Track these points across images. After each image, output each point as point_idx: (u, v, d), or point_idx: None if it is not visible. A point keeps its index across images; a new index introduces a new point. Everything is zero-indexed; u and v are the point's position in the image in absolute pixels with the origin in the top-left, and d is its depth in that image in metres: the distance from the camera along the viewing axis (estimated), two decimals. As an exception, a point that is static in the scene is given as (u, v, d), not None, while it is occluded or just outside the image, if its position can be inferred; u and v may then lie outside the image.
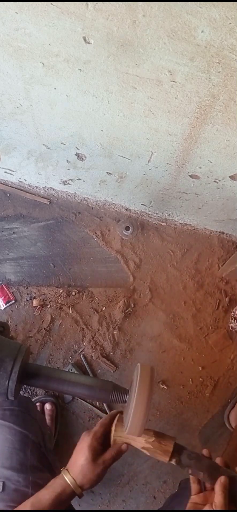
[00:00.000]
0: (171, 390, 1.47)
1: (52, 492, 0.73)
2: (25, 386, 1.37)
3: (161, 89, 0.79)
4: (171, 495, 1.02)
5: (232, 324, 1.51)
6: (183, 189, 1.23)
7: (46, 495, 0.73)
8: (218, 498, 0.66)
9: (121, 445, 0.76)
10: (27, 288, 1.48)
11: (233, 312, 1.52)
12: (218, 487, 0.67)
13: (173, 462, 0.73)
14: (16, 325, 1.45)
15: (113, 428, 0.78)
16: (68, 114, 0.96)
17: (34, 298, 1.47)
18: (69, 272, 1.53)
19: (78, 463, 0.75)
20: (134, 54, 0.71)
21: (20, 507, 0.74)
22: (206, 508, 0.67)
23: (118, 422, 0.78)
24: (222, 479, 0.68)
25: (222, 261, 1.59)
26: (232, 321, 1.51)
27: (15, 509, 0.75)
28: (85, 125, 0.99)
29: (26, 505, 0.73)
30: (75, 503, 1.33)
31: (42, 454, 0.91)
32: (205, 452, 0.75)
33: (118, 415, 0.80)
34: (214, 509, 0.65)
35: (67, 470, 0.76)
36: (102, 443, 0.77)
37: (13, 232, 1.54)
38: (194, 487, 0.74)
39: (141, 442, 0.75)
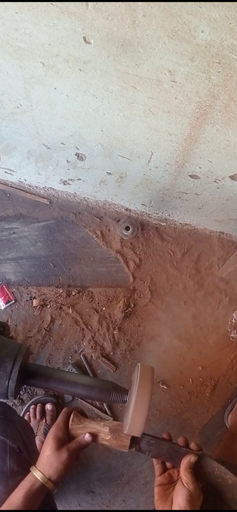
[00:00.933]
0: (171, 390, 1.47)
1: (22, 490, 0.74)
2: (25, 386, 1.37)
3: (161, 89, 0.79)
4: None
5: (233, 335, 1.51)
6: (183, 189, 1.23)
7: (16, 494, 0.75)
8: (187, 477, 0.68)
9: (84, 435, 0.78)
10: (27, 288, 1.48)
11: (230, 321, 1.52)
12: (183, 467, 0.70)
13: (134, 449, 0.75)
14: (16, 325, 1.45)
15: (70, 420, 0.80)
16: (68, 114, 0.96)
17: (34, 298, 1.47)
18: (69, 272, 1.53)
19: (44, 454, 0.77)
20: (134, 54, 0.71)
21: None
22: (179, 487, 0.68)
23: (74, 415, 0.81)
24: (186, 458, 0.71)
25: (222, 261, 1.59)
26: (234, 331, 1.51)
27: None
28: (85, 125, 0.99)
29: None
30: (75, 503, 1.34)
31: (23, 458, 0.90)
32: (165, 435, 0.77)
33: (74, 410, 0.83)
34: (186, 487, 0.67)
35: (34, 466, 0.78)
36: (66, 432, 0.79)
37: (13, 232, 1.54)
38: (157, 467, 0.76)
39: (99, 439, 0.78)
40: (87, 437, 0.78)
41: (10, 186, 1.54)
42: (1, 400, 0.82)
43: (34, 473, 0.76)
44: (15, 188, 1.55)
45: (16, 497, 0.74)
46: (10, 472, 0.85)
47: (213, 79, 0.72)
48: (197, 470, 0.70)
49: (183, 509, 0.65)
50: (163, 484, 0.74)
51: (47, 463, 0.76)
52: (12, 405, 1.36)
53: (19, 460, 0.89)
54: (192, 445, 0.74)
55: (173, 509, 0.68)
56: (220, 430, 1.44)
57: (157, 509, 0.71)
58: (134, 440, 0.75)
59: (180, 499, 0.66)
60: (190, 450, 0.73)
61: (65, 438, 0.78)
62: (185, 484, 0.68)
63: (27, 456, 0.92)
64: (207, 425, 1.45)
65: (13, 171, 1.41)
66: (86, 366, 1.44)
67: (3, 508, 0.75)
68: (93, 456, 1.39)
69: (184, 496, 0.66)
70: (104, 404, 1.42)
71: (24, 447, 0.93)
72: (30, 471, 0.77)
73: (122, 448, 0.75)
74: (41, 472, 0.75)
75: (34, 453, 0.98)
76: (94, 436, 0.78)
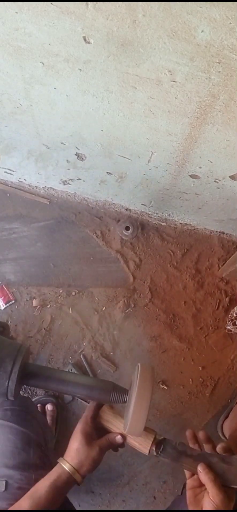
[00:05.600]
0: (171, 390, 1.46)
1: (48, 480, 0.74)
2: (25, 386, 1.37)
3: (161, 89, 0.79)
4: (177, 496, 1.01)
5: (229, 327, 1.51)
6: (183, 189, 1.23)
7: (42, 483, 0.74)
8: (210, 490, 0.64)
9: (116, 436, 0.77)
10: (27, 288, 1.48)
11: (231, 314, 1.52)
12: (203, 479, 0.66)
13: (155, 454, 0.73)
14: (16, 325, 1.45)
15: (102, 410, 0.80)
16: (68, 114, 0.96)
17: (34, 298, 1.47)
18: (69, 272, 1.53)
19: (73, 447, 0.76)
20: (134, 54, 0.71)
21: (20, 501, 0.75)
22: (206, 498, 0.65)
23: (106, 406, 0.81)
24: (200, 469, 0.67)
25: (222, 261, 1.59)
26: (229, 323, 1.51)
27: (15, 504, 0.75)
28: (85, 125, 0.99)
29: (25, 497, 0.74)
30: (75, 503, 1.34)
31: (44, 453, 0.91)
32: (188, 433, 0.75)
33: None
34: (212, 500, 0.64)
35: (63, 458, 0.77)
36: (94, 427, 0.79)
37: (13, 232, 1.54)
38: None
39: (126, 441, 0.76)
40: (119, 438, 0.76)
41: (10, 186, 1.54)
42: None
43: (63, 464, 0.75)
44: (15, 188, 1.55)
45: (41, 486, 0.73)
46: (33, 465, 0.86)
47: (213, 79, 0.72)
48: (220, 471, 0.67)
49: None
50: (194, 487, 0.71)
51: (76, 456, 0.75)
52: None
53: (41, 454, 0.89)
54: (218, 447, 0.71)
55: None
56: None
57: None
58: (158, 444, 0.73)
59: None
60: (204, 453, 0.71)
61: (93, 433, 0.78)
62: (211, 497, 0.64)
63: (47, 452, 0.93)
64: (207, 425, 1.45)
65: (13, 171, 1.41)
66: (86, 366, 1.43)
67: (27, 493, 0.74)
68: (93, 456, 1.39)
69: (212, 509, 0.63)
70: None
71: (44, 443, 0.94)
72: (57, 462, 0.77)
73: (142, 451, 0.74)
74: (70, 464, 0.75)
75: (51, 450, 0.99)
76: (124, 438, 0.77)
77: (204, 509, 0.65)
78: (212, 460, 0.69)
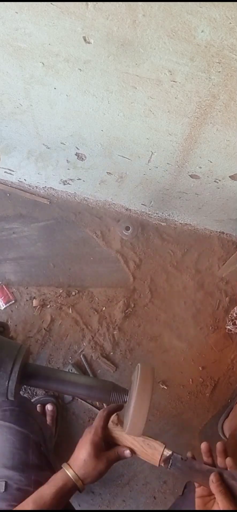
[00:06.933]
0: (171, 390, 1.46)
1: (54, 486, 0.74)
2: (25, 386, 1.37)
3: (161, 89, 0.79)
4: (179, 497, 1.01)
5: (229, 327, 1.51)
6: (183, 189, 1.23)
7: (47, 489, 0.74)
8: (220, 500, 0.66)
9: (125, 450, 0.76)
10: (27, 288, 1.48)
11: (231, 314, 1.52)
12: (212, 489, 0.67)
13: (163, 466, 0.74)
14: (16, 325, 1.45)
15: (110, 424, 0.79)
16: (68, 114, 0.96)
17: (34, 298, 1.47)
18: (69, 272, 1.53)
19: (81, 457, 0.75)
20: (134, 54, 0.71)
21: (22, 504, 0.74)
22: (216, 507, 0.67)
23: (115, 417, 0.80)
24: (213, 479, 0.68)
25: (222, 261, 1.59)
26: (229, 323, 1.51)
27: (17, 507, 0.75)
28: (85, 125, 0.99)
29: (28, 501, 0.74)
30: (75, 503, 1.34)
31: (43, 453, 0.91)
32: (203, 446, 0.75)
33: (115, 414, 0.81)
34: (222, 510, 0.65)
35: (68, 464, 0.76)
36: (104, 438, 0.78)
37: (13, 232, 1.54)
38: None
39: (132, 444, 0.76)
40: (128, 453, 0.76)
41: (10, 186, 1.54)
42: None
43: (68, 473, 0.74)
44: (15, 188, 1.55)
45: (47, 493, 0.73)
46: (32, 465, 0.86)
47: (213, 79, 0.72)
48: (230, 487, 0.68)
49: None
50: (203, 496, 0.72)
51: (83, 466, 0.74)
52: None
53: (40, 455, 0.89)
54: (227, 461, 0.72)
55: None
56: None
57: None
58: (166, 459, 0.74)
59: None
60: (213, 469, 0.71)
61: (102, 444, 0.77)
62: (221, 508, 0.65)
63: (46, 453, 0.92)
64: (207, 425, 1.45)
65: (13, 171, 1.41)
66: (86, 366, 1.43)
67: (31, 498, 0.74)
68: (93, 456, 1.39)
69: None
70: (104, 404, 1.42)
71: (44, 443, 0.94)
72: (61, 467, 0.76)
73: (153, 462, 0.74)
74: (76, 474, 0.74)
75: (50, 451, 0.98)
76: (133, 452, 0.76)
77: None
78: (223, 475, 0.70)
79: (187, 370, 1.49)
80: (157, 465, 0.74)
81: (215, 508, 0.67)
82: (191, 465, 0.72)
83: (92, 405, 1.42)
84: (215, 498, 0.68)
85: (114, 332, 1.48)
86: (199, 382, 1.48)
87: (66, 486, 0.74)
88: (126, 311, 1.50)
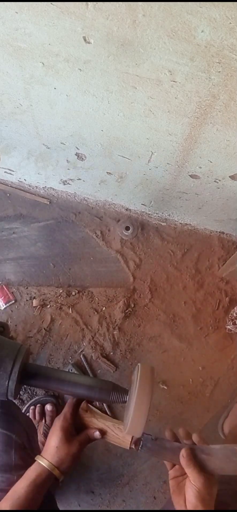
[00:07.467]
0: (171, 390, 1.46)
1: (27, 479, 0.74)
2: (25, 386, 1.37)
3: (161, 89, 0.79)
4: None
5: (229, 327, 1.51)
6: (183, 189, 1.23)
7: (21, 483, 0.74)
8: (190, 474, 0.66)
9: (95, 431, 0.79)
10: (27, 288, 1.48)
11: (231, 314, 1.52)
12: (183, 465, 0.68)
13: (134, 448, 0.76)
14: (16, 325, 1.45)
15: (80, 411, 0.82)
16: (68, 114, 0.96)
17: (34, 298, 1.47)
18: (69, 272, 1.53)
19: (53, 445, 0.77)
20: (134, 54, 0.71)
21: (0, 503, 0.75)
22: (188, 483, 0.67)
23: (84, 403, 0.83)
24: (183, 453, 0.69)
25: (222, 261, 1.59)
26: (229, 323, 1.51)
27: None
28: (85, 125, 0.99)
29: (5, 499, 0.74)
30: (75, 504, 1.34)
31: (27, 454, 0.90)
32: (168, 432, 0.76)
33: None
34: (194, 484, 0.65)
35: (41, 456, 0.77)
36: (73, 423, 0.80)
37: (13, 232, 1.54)
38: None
39: (103, 428, 0.79)
40: (97, 434, 0.78)
41: (10, 186, 1.54)
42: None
43: (41, 462, 0.75)
44: (15, 188, 1.55)
45: (20, 487, 0.74)
46: (15, 466, 0.85)
47: (213, 79, 0.72)
48: (201, 461, 0.68)
49: (194, 507, 0.64)
50: (176, 476, 0.73)
51: (56, 453, 0.76)
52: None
53: (23, 455, 0.89)
54: (194, 437, 0.73)
55: (186, 504, 0.66)
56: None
57: (173, 501, 0.70)
58: (136, 441, 0.75)
59: (190, 497, 0.66)
60: (183, 444, 0.72)
61: (72, 429, 0.79)
62: (192, 482, 0.66)
63: (31, 453, 0.92)
64: (207, 425, 1.45)
65: (13, 171, 1.41)
66: (86, 366, 1.43)
67: (8, 496, 0.74)
68: (93, 457, 1.39)
69: (193, 493, 0.65)
70: (104, 404, 1.42)
71: (28, 444, 0.94)
72: (35, 461, 0.77)
73: (123, 446, 0.76)
74: (50, 462, 0.75)
75: (37, 450, 0.98)
76: (103, 433, 0.79)
77: (187, 495, 0.67)
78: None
79: (187, 370, 1.49)
80: (128, 448, 0.75)
81: (187, 483, 0.67)
82: (161, 444, 0.73)
83: (92, 405, 1.41)
84: (187, 476, 0.69)
85: (114, 332, 1.48)
86: (199, 382, 1.48)
87: (40, 476, 0.74)
88: (126, 311, 1.50)
